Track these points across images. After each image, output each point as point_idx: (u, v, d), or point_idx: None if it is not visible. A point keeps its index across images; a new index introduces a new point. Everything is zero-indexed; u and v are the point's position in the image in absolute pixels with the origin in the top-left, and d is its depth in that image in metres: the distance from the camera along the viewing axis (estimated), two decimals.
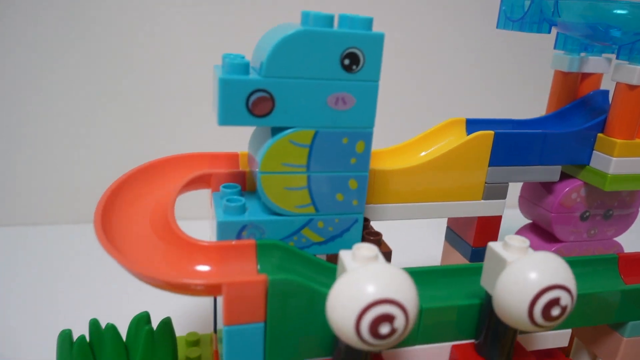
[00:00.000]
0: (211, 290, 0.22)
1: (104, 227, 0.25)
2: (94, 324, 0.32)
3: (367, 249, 0.21)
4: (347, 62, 0.24)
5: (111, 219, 0.26)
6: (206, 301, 0.44)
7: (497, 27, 0.36)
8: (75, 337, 0.32)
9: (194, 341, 0.38)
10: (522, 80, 0.48)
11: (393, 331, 0.19)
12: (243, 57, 0.24)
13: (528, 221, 0.39)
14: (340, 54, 0.24)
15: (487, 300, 0.25)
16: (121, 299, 0.44)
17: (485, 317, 0.25)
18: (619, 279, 0.30)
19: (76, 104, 0.55)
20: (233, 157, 0.31)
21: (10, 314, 0.42)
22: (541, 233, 0.37)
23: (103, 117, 0.55)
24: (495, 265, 0.23)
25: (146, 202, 0.27)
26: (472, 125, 0.34)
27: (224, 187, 0.27)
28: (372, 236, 0.28)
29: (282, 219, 0.26)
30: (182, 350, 0.37)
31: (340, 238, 0.27)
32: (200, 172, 0.28)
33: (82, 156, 0.56)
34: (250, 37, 0.27)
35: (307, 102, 0.24)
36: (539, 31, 0.35)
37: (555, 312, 0.21)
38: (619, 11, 0.30)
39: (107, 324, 0.33)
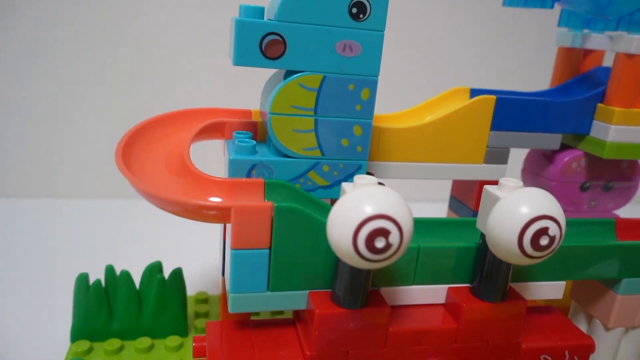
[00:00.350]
0: (221, 214, 0.24)
1: (124, 162, 0.26)
2: (109, 270, 0.34)
3: (366, 178, 0.23)
4: (354, 10, 0.25)
5: (130, 158, 0.27)
6: (215, 263, 0.45)
7: (503, 5, 0.38)
8: (91, 282, 0.34)
9: (203, 299, 0.40)
10: (528, 57, 0.50)
11: (388, 246, 0.21)
12: (259, 7, 0.26)
13: None
14: (348, 2, 0.25)
15: (482, 243, 0.26)
16: (135, 251, 0.45)
17: (480, 260, 0.26)
18: (615, 240, 0.31)
19: (79, 72, 0.57)
20: (246, 113, 0.32)
21: (33, 262, 0.44)
22: None
23: (109, 83, 0.58)
24: (489, 204, 0.25)
25: (163, 145, 0.29)
26: (476, 94, 0.36)
27: (237, 133, 0.29)
28: None
29: (290, 160, 0.27)
30: (191, 307, 0.39)
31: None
32: (215, 120, 0.30)
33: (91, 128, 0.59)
34: None
35: (316, 47, 0.26)
36: (542, 6, 0.36)
37: (544, 241, 0.22)
38: None
39: (122, 270, 0.34)
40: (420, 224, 0.28)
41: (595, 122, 0.35)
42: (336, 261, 0.25)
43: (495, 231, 0.23)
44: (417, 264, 0.27)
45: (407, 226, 0.21)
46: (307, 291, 0.26)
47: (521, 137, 0.34)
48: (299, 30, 0.25)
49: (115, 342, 0.34)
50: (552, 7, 0.36)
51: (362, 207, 0.21)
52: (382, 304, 0.25)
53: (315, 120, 0.27)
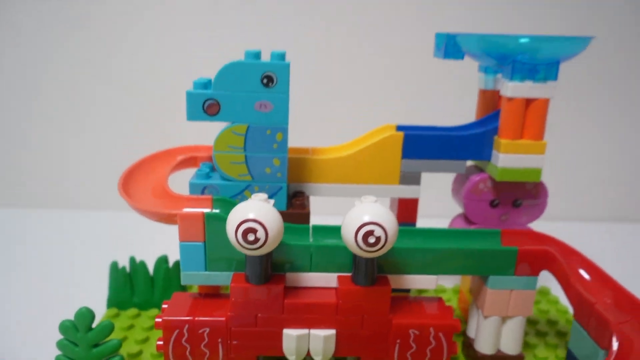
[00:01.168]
0: (173, 218, 0.37)
1: (125, 191, 0.40)
2: (132, 260, 0.49)
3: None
4: (265, 80, 0.37)
5: (128, 187, 0.41)
6: None
7: (433, 56, 0.48)
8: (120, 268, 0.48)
9: None
10: (459, 95, 0.59)
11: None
12: (207, 79, 0.39)
13: None
14: (260, 76, 0.37)
15: None
16: (150, 246, 0.59)
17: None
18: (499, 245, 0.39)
19: (86, 103, 0.74)
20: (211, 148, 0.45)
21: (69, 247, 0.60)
22: (466, 218, 0.47)
23: (107, 117, 0.75)
24: None
25: (150, 176, 0.42)
26: (402, 129, 0.45)
27: (202, 164, 0.42)
28: (297, 200, 0.41)
29: (230, 183, 0.40)
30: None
31: (270, 199, 0.40)
32: (189, 155, 0.43)
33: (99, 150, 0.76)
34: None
35: (241, 106, 0.38)
36: (455, 58, 0.45)
37: (372, 240, 0.32)
38: (493, 41, 0.40)
39: (140, 260, 0.48)
40: (328, 230, 0.38)
41: (493, 151, 0.43)
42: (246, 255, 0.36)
43: (344, 232, 0.34)
44: (312, 257, 0.37)
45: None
46: (232, 272, 0.37)
47: (429, 163, 0.44)
48: (228, 96, 0.38)
49: (134, 311, 0.48)
50: (462, 58, 0.45)
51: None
52: (279, 282, 0.36)
53: (245, 156, 0.39)
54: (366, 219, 0.33)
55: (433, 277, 0.39)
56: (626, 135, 0.80)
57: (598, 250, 0.66)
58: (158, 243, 0.55)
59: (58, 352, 0.37)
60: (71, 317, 0.37)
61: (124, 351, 0.41)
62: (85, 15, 0.71)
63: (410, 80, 0.73)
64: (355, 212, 0.33)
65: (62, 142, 0.78)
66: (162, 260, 0.49)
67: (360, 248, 0.33)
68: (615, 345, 0.33)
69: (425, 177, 0.45)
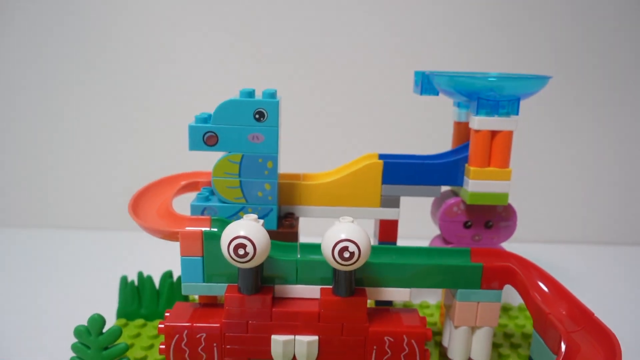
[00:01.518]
0: (175, 235, 0.42)
1: (134, 212, 0.46)
2: (140, 275, 0.54)
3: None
4: (257, 116, 0.43)
5: (137, 208, 0.46)
6: None
7: (413, 92, 0.53)
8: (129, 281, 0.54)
9: None
10: (439, 129, 0.64)
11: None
12: (207, 113, 0.44)
13: None
14: (253, 111, 0.43)
15: None
16: (156, 262, 0.64)
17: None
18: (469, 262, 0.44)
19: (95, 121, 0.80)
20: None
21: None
22: (444, 239, 0.51)
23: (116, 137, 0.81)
24: None
25: (156, 199, 0.48)
26: (383, 157, 0.50)
27: (203, 188, 0.47)
28: (287, 221, 0.46)
29: (227, 205, 0.45)
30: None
31: (262, 220, 0.45)
32: (191, 180, 0.49)
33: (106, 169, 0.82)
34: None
35: (236, 138, 0.43)
36: (431, 94, 0.50)
37: (346, 254, 0.37)
38: (461, 81, 0.45)
39: (147, 275, 0.54)
40: (311, 248, 0.43)
41: (464, 177, 0.48)
42: (238, 269, 0.41)
43: (323, 248, 0.38)
44: (297, 271, 0.42)
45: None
46: (227, 284, 0.42)
47: (407, 188, 0.48)
48: (225, 129, 0.43)
49: (141, 321, 0.53)
50: (437, 94, 0.50)
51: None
52: (268, 292, 0.41)
53: (240, 181, 0.44)
54: (342, 236, 0.37)
55: (406, 290, 0.43)
56: (599, 156, 0.84)
57: (571, 272, 0.70)
58: (163, 260, 0.60)
59: (72, 355, 0.42)
60: (85, 323, 0.42)
61: (131, 356, 0.46)
62: (93, 40, 0.78)
63: (392, 113, 0.80)
64: (332, 231, 0.38)
65: (81, 168, 0.84)
66: (167, 275, 0.54)
67: (337, 262, 0.38)
68: (563, 350, 0.37)
69: (408, 201, 0.49)
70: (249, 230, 0.38)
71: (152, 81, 0.80)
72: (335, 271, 0.41)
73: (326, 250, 0.38)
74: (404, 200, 0.49)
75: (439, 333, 0.52)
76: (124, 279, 0.53)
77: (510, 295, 0.64)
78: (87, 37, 0.78)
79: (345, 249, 0.37)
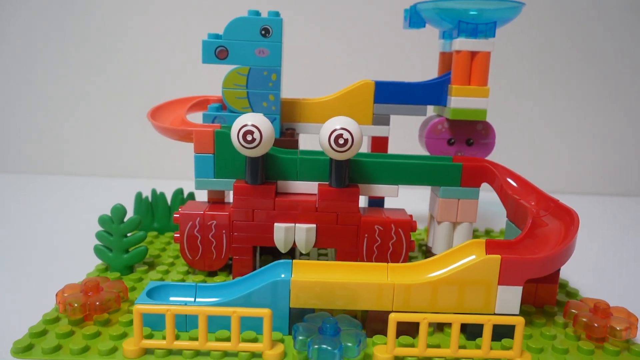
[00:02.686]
0: (189, 135, 0.47)
1: (153, 117, 0.51)
2: (153, 192, 0.59)
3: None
4: (263, 32, 0.48)
5: (155, 117, 0.52)
6: None
7: (403, 28, 0.58)
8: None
9: None
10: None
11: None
12: (217, 33, 0.50)
13: None
14: (259, 28, 0.48)
15: None
16: (168, 183, 0.69)
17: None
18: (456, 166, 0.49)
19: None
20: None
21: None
22: None
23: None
24: None
25: (172, 112, 0.53)
26: (378, 85, 0.55)
27: (210, 105, 0.52)
28: (289, 131, 0.51)
29: (235, 114, 0.50)
30: None
31: None
32: (202, 98, 0.54)
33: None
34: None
35: (245, 52, 0.49)
36: (418, 27, 0.56)
37: (341, 141, 0.42)
38: (442, 7, 0.51)
39: (160, 192, 0.59)
40: (316, 152, 0.49)
41: (447, 96, 0.53)
42: (246, 160, 0.46)
43: (321, 138, 0.44)
44: (298, 167, 0.47)
45: (267, 131, 0.42)
46: (235, 179, 0.47)
47: (396, 107, 0.54)
48: (235, 44, 0.48)
49: (154, 234, 0.58)
50: (424, 27, 0.56)
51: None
52: (271, 184, 0.46)
53: (247, 92, 0.50)
54: (337, 126, 0.43)
55: (395, 186, 0.48)
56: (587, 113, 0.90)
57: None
58: (174, 180, 0.65)
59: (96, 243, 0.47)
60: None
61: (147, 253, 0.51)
62: None
63: (386, 47, 0.88)
64: (329, 122, 0.44)
65: (97, 116, 0.89)
66: (179, 192, 0.59)
67: (333, 149, 0.43)
68: (529, 224, 0.42)
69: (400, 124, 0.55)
70: (256, 119, 0.43)
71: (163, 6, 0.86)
72: (331, 165, 0.46)
73: (323, 139, 0.43)
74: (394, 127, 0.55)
75: (426, 245, 0.57)
76: (138, 195, 0.58)
77: (493, 220, 0.70)
78: None
79: (340, 136, 0.43)
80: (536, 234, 0.41)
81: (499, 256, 0.37)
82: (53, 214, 0.69)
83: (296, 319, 0.38)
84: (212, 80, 0.58)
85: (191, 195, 0.59)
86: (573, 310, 0.40)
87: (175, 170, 0.89)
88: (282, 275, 0.39)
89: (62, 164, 0.93)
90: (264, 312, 0.35)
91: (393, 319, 0.35)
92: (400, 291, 0.38)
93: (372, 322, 0.39)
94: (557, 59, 0.89)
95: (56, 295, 0.39)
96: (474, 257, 0.39)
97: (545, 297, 0.44)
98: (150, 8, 0.87)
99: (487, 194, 0.56)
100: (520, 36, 0.87)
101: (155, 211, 0.58)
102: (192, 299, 0.40)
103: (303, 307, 0.38)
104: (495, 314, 0.38)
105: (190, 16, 0.87)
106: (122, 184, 0.85)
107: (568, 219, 0.42)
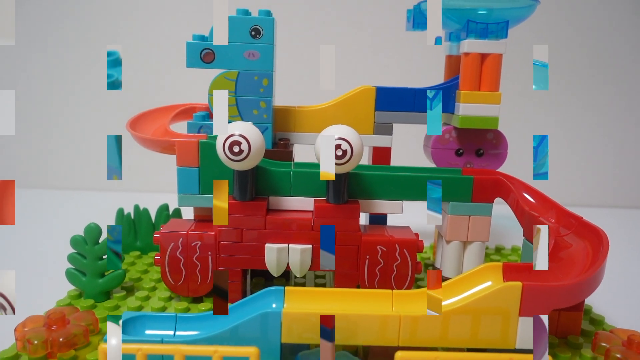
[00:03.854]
0: (172, 146, 0.42)
1: (133, 127, 0.46)
2: (136, 208, 0.54)
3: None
4: (253, 33, 0.44)
5: (135, 127, 0.47)
6: None
7: (406, 30, 0.54)
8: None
9: None
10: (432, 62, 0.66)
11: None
12: (203, 34, 0.45)
13: None
14: (249, 28, 0.44)
15: None
16: (152, 198, 0.65)
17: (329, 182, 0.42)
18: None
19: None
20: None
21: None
22: None
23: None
24: None
25: (152, 121, 0.49)
26: (380, 91, 0.51)
27: (195, 114, 0.48)
28: (282, 141, 0.47)
29: None
30: None
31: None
32: (187, 107, 0.50)
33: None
34: None
35: (233, 55, 0.44)
36: (424, 29, 0.52)
37: (339, 152, 0.38)
38: (449, 4, 0.47)
39: (143, 208, 0.54)
40: (311, 165, 0.44)
41: (455, 103, 0.49)
42: (234, 174, 0.42)
43: (316, 148, 0.39)
44: (292, 182, 0.43)
45: (256, 141, 0.38)
46: None
47: (399, 115, 0.49)
48: (222, 46, 0.44)
49: (136, 253, 0.53)
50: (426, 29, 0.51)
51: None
52: (262, 200, 0.42)
53: (236, 99, 0.45)
54: (335, 135, 0.38)
55: (399, 202, 0.44)
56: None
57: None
58: (159, 195, 0.60)
59: (69, 266, 0.43)
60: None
61: (126, 278, 0.46)
62: None
63: (389, 50, 0.83)
64: (326, 131, 0.39)
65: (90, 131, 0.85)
66: (163, 208, 0.54)
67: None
68: (551, 243, 0.37)
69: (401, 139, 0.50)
70: (243, 129, 0.38)
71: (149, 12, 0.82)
72: (329, 182, 0.41)
73: (319, 150, 0.39)
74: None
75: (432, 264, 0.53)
76: (120, 212, 0.54)
77: (505, 236, 0.65)
78: None
79: (338, 147, 0.38)
80: (560, 257, 0.36)
81: (519, 283, 0.33)
82: (24, 233, 0.64)
83: (288, 355, 0.34)
84: (197, 86, 0.53)
85: (177, 212, 0.54)
86: (603, 344, 0.35)
87: (160, 183, 0.84)
88: (273, 305, 0.34)
89: (38, 176, 0.88)
90: (249, 352, 0.30)
91: (400, 358, 0.30)
92: (407, 323, 0.33)
93: (376, 359, 0.34)
94: (573, 63, 0.85)
95: (15, 329, 0.34)
96: (489, 283, 0.34)
97: (569, 326, 0.39)
98: (131, 9, 0.83)
99: (495, 206, 0.51)
100: (534, 37, 0.83)
101: (138, 229, 0.54)
102: (172, 332, 0.35)
103: (296, 342, 0.34)
104: (516, 351, 0.33)
105: (174, 16, 0.83)
106: (102, 198, 0.80)
107: (595, 239, 0.37)
